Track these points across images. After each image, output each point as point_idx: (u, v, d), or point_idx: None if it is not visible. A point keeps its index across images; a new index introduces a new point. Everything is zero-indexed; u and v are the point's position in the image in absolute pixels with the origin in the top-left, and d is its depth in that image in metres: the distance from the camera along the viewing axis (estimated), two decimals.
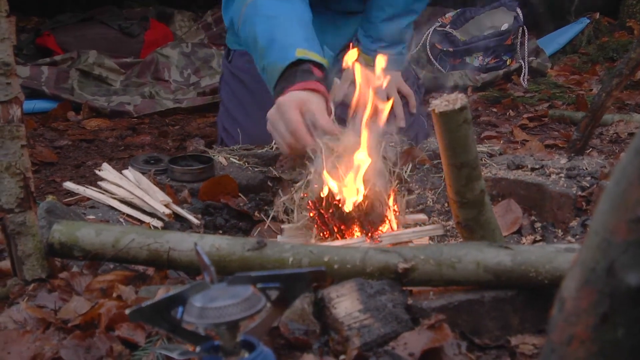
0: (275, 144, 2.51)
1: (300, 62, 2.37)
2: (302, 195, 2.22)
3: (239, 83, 3.05)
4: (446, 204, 2.37)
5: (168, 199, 2.23)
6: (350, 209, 2.00)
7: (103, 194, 2.27)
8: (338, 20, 3.09)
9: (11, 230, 1.64)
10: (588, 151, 2.87)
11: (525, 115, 3.75)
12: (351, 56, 2.19)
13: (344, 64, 2.20)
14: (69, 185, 2.35)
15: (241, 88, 3.04)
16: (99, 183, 2.33)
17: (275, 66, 2.42)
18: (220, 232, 2.30)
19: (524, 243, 2.23)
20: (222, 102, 3.15)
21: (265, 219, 2.35)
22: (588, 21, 5.06)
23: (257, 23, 2.54)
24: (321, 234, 2.07)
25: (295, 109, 2.30)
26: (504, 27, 4.56)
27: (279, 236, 2.19)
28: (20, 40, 4.66)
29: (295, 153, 2.37)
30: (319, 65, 2.39)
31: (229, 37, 3.14)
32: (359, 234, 2.03)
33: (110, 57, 4.36)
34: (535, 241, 2.23)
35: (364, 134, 2.04)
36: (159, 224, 2.17)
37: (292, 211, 2.33)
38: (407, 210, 2.29)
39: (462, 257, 1.53)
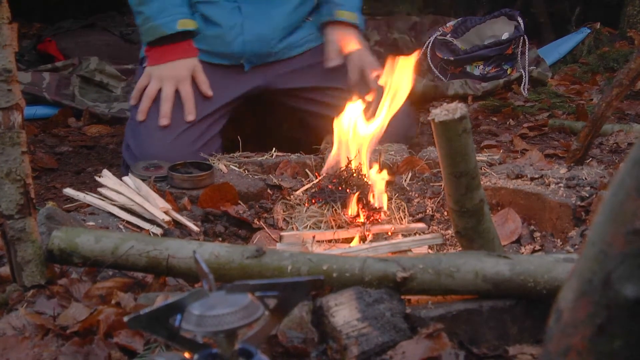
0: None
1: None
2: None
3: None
4: (445, 213, 2.37)
5: (168, 206, 2.24)
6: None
7: (103, 200, 2.27)
8: (269, 7, 3.02)
9: (11, 236, 1.64)
10: (588, 161, 2.87)
11: (525, 125, 3.75)
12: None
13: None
14: (69, 191, 2.35)
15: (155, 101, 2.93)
16: (99, 189, 2.33)
17: (158, 28, 2.86)
18: (220, 239, 2.30)
19: (523, 252, 2.23)
20: (129, 119, 3.02)
21: (265, 227, 2.36)
22: (589, 31, 5.06)
23: None
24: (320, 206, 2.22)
25: (188, 81, 2.87)
26: (505, 36, 4.56)
27: (278, 244, 2.19)
28: (22, 46, 4.67)
29: (164, 109, 2.84)
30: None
31: None
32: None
33: (111, 63, 4.37)
34: (534, 251, 2.23)
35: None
36: (158, 231, 2.17)
37: (292, 218, 2.34)
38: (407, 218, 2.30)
39: (460, 266, 1.53)
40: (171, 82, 2.86)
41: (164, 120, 2.85)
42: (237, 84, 3.04)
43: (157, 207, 2.22)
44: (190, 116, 2.86)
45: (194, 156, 2.70)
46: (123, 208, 2.24)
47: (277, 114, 3.24)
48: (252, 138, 3.05)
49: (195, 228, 2.24)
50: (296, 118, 3.19)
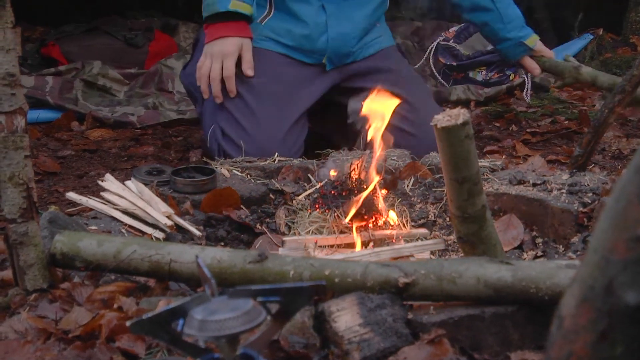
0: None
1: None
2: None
3: (244, 84, 3.03)
4: (448, 219, 2.37)
5: (170, 211, 2.24)
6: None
7: (105, 204, 2.27)
8: (350, 9, 3.14)
9: (13, 240, 1.64)
10: (590, 167, 2.87)
11: (528, 130, 3.75)
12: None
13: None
14: (71, 195, 2.35)
15: (247, 91, 3.01)
16: (102, 194, 2.33)
17: (213, 5, 2.94)
18: (222, 244, 2.30)
19: (525, 258, 2.23)
20: (218, 106, 3.08)
21: (267, 232, 2.36)
22: (591, 37, 5.05)
23: None
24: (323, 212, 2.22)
25: (235, 58, 2.94)
26: None
27: (280, 249, 2.19)
28: (25, 50, 4.66)
29: (214, 92, 2.97)
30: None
31: None
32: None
33: (114, 67, 4.37)
34: (536, 257, 2.23)
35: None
36: (160, 235, 2.18)
37: (294, 223, 2.34)
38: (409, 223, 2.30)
39: (462, 272, 1.53)
40: (218, 58, 2.96)
41: (217, 100, 2.99)
42: (318, 85, 3.17)
43: (160, 211, 2.23)
44: (231, 94, 2.98)
45: (293, 157, 2.84)
46: (125, 212, 2.24)
47: (335, 115, 3.28)
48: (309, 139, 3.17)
49: (197, 232, 2.24)
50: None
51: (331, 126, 3.28)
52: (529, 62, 3.50)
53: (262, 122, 2.96)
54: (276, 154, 2.76)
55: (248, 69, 2.98)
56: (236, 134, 2.97)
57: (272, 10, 3.13)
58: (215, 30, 2.98)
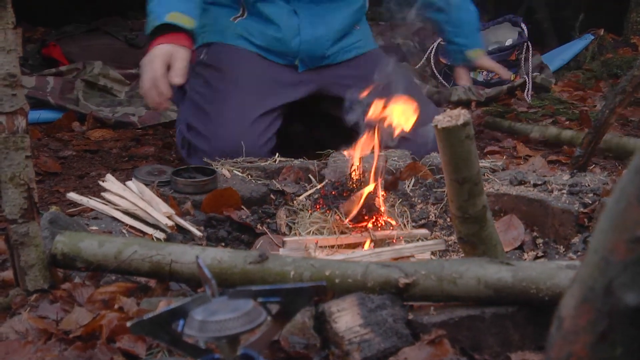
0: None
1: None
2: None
3: (214, 75, 3.02)
4: (448, 219, 2.37)
5: (171, 211, 2.24)
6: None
7: (106, 205, 2.28)
8: (324, 12, 3.13)
9: (14, 240, 1.64)
10: (591, 167, 2.87)
11: None
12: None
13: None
14: (72, 195, 2.36)
15: (217, 78, 3.01)
16: (103, 194, 2.34)
17: (153, 20, 2.84)
18: (223, 244, 2.30)
19: (525, 259, 2.23)
20: (188, 102, 3.06)
21: (268, 232, 2.36)
22: (592, 37, 5.05)
23: None
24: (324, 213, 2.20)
25: (161, 61, 2.72)
26: (508, 42, 4.56)
27: (280, 249, 2.19)
28: (26, 50, 4.67)
29: (152, 101, 2.77)
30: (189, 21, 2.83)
31: None
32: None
33: (115, 68, 4.37)
34: (537, 257, 2.23)
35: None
36: (161, 235, 2.18)
37: (295, 224, 2.34)
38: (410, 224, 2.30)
39: (463, 272, 1.54)
40: (145, 69, 2.78)
41: (159, 108, 2.87)
42: (293, 88, 3.13)
43: (160, 211, 2.23)
44: (163, 96, 2.79)
45: (259, 149, 2.83)
46: (126, 213, 2.24)
47: (323, 124, 3.27)
48: (302, 145, 3.15)
49: (198, 233, 2.25)
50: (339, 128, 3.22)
51: (325, 132, 3.27)
52: (461, 73, 3.66)
53: (227, 109, 2.93)
54: (276, 155, 2.76)
55: (174, 77, 2.73)
56: (199, 120, 2.95)
57: (245, 13, 3.13)
58: (152, 44, 2.83)
